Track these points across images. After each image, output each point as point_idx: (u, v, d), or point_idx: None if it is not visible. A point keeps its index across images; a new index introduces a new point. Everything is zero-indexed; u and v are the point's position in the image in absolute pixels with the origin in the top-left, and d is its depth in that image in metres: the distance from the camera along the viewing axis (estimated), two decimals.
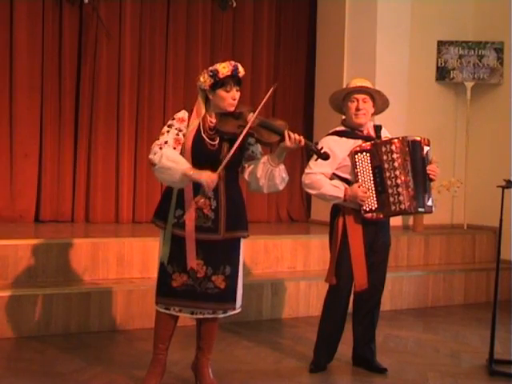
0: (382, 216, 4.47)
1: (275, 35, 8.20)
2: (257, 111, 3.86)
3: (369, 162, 4.45)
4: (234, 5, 7.78)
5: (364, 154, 4.45)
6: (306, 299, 6.19)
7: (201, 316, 3.99)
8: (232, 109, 3.91)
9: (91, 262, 5.69)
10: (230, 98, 3.88)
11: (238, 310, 4.06)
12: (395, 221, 6.23)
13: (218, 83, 3.85)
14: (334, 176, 4.52)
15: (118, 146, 7.39)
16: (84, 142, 7.27)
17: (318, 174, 4.46)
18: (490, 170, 7.59)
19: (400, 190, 4.42)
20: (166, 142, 3.83)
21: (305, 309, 6.19)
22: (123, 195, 7.37)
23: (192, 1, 7.68)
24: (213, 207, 3.90)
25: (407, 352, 5.18)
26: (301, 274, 6.46)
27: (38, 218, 7.11)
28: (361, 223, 4.48)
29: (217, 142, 3.90)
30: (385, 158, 4.44)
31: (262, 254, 6.40)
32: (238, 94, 3.92)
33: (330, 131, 4.62)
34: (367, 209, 4.45)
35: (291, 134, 3.85)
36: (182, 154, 3.85)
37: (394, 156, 4.44)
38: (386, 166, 4.44)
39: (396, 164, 4.43)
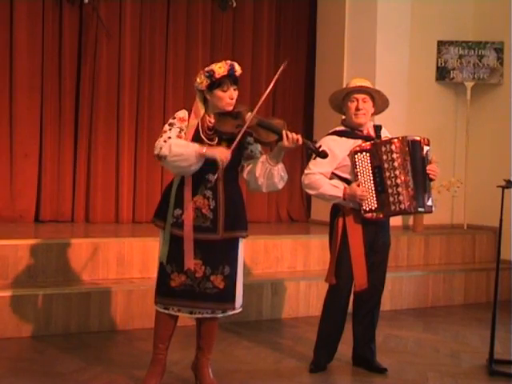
0: (381, 216, 4.47)
1: (275, 35, 8.20)
2: (255, 110, 3.86)
3: (369, 161, 4.45)
4: (234, 5, 7.78)
5: (364, 153, 4.45)
6: (306, 299, 6.19)
7: (200, 316, 3.99)
8: (230, 108, 3.91)
9: (91, 262, 5.69)
10: (228, 97, 3.89)
11: (238, 310, 4.06)
12: (395, 221, 6.23)
13: (215, 83, 3.86)
14: (334, 176, 4.52)
15: (117, 145, 7.39)
16: (84, 142, 7.27)
17: (317, 174, 4.46)
18: (490, 170, 7.59)
19: (400, 189, 4.42)
20: (169, 138, 3.82)
21: (305, 309, 6.19)
22: (123, 195, 7.37)
23: (192, 1, 7.68)
24: (211, 207, 3.90)
25: (407, 352, 5.18)
26: (301, 274, 6.46)
27: (38, 217, 7.11)
28: (361, 223, 4.48)
29: (215, 141, 3.90)
30: (385, 157, 4.44)
31: (262, 254, 6.40)
32: (236, 93, 3.92)
33: (330, 131, 4.62)
34: (367, 209, 4.45)
35: (289, 134, 3.85)
36: None
37: (394, 156, 4.44)
38: (386, 165, 4.44)
39: (396, 164, 4.43)
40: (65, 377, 4.29)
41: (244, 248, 4.11)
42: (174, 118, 3.94)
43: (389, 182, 4.44)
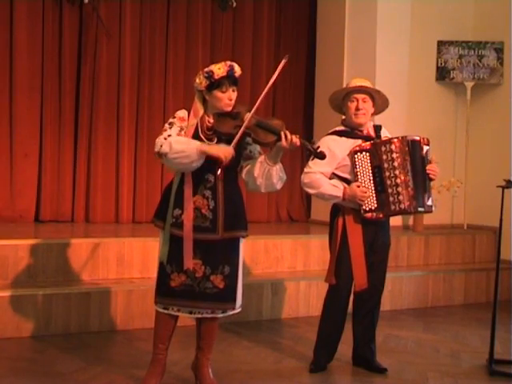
0: (381, 216, 4.47)
1: (275, 35, 8.20)
2: (253, 110, 3.87)
3: (368, 161, 4.45)
4: (234, 5, 7.77)
5: (364, 153, 4.45)
6: (305, 299, 6.19)
7: (199, 316, 3.99)
8: (229, 109, 3.91)
9: (91, 262, 5.69)
10: (227, 98, 3.89)
11: (237, 310, 4.06)
12: (395, 221, 6.23)
13: (214, 84, 3.86)
14: (334, 176, 4.52)
15: (118, 146, 7.39)
16: (84, 141, 7.27)
17: (317, 174, 4.46)
18: (490, 170, 7.59)
19: (400, 189, 4.42)
20: (169, 136, 3.82)
21: (305, 309, 6.19)
22: (123, 195, 7.37)
23: (192, 1, 7.68)
24: (211, 207, 3.90)
25: (407, 352, 5.18)
26: (301, 274, 6.46)
27: (38, 217, 7.11)
28: (360, 223, 4.48)
29: (214, 142, 3.89)
30: (384, 157, 4.44)
31: (262, 254, 6.40)
32: (235, 94, 3.92)
33: (330, 131, 4.62)
34: (367, 208, 4.45)
35: (288, 134, 3.85)
36: None
37: (394, 155, 4.44)
38: (386, 165, 4.44)
39: (396, 163, 4.43)
40: (65, 377, 4.29)
41: (244, 248, 4.11)
42: (174, 118, 3.94)
43: (389, 182, 4.44)
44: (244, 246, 4.10)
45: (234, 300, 3.99)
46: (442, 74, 7.89)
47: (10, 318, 5.10)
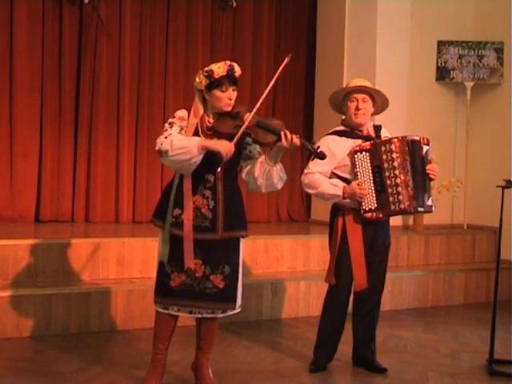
0: (381, 215, 4.47)
1: (275, 35, 8.20)
2: (253, 111, 3.86)
3: (368, 161, 4.45)
4: (234, 5, 7.77)
5: (363, 153, 4.46)
6: (305, 299, 6.19)
7: (199, 315, 3.99)
8: (229, 109, 3.91)
9: (91, 262, 5.69)
10: (226, 97, 3.88)
11: (237, 310, 4.06)
12: (395, 221, 6.23)
13: (214, 83, 3.85)
14: (334, 175, 4.52)
15: (118, 146, 7.39)
16: (84, 141, 7.27)
17: (316, 174, 4.47)
18: (490, 170, 7.59)
19: (399, 189, 4.42)
20: (170, 135, 3.82)
21: (305, 309, 6.19)
22: (123, 195, 7.37)
23: (192, 1, 7.68)
24: (210, 207, 3.90)
25: (407, 352, 5.18)
26: (301, 274, 6.46)
27: (38, 217, 7.11)
28: (360, 223, 4.48)
29: None
30: (384, 157, 4.44)
31: (262, 254, 6.40)
32: (235, 93, 3.92)
33: (330, 131, 4.62)
34: (367, 208, 4.45)
35: (288, 134, 3.85)
36: None
37: (394, 155, 4.44)
38: (386, 165, 4.44)
39: (395, 163, 4.43)
40: (65, 377, 4.29)
41: (244, 248, 4.11)
42: (174, 117, 3.94)
43: (388, 182, 4.44)
44: (244, 245, 4.10)
45: (234, 300, 3.99)
46: (442, 74, 7.89)
47: (10, 318, 5.10)
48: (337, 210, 4.56)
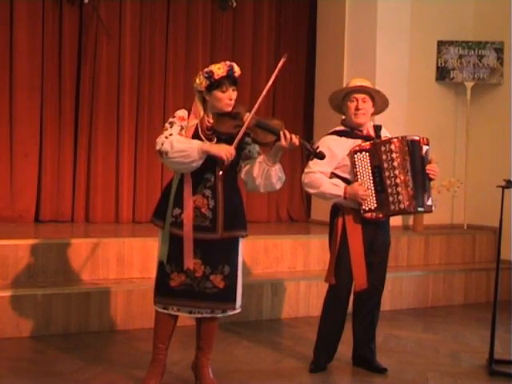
0: (381, 215, 4.47)
1: (275, 35, 8.20)
2: (253, 111, 3.87)
3: (368, 161, 4.45)
4: (234, 5, 7.77)
5: (363, 153, 4.45)
6: (306, 299, 6.19)
7: (199, 315, 3.99)
8: (229, 109, 3.91)
9: (91, 262, 5.69)
10: (227, 98, 3.88)
11: (237, 310, 4.06)
12: (395, 221, 6.23)
13: (214, 84, 3.85)
14: (334, 175, 4.52)
15: (118, 146, 7.39)
16: (84, 141, 7.27)
17: (317, 173, 4.46)
18: (490, 170, 7.59)
19: (399, 189, 4.42)
20: (170, 135, 3.82)
21: (305, 309, 6.19)
22: (123, 195, 7.37)
23: (192, 1, 7.68)
24: (210, 206, 3.90)
25: (407, 352, 5.18)
26: (301, 274, 6.46)
27: (37, 217, 7.11)
28: (360, 223, 4.48)
29: (214, 142, 3.89)
30: (384, 157, 4.44)
31: (262, 254, 6.40)
32: (235, 93, 3.92)
33: (330, 131, 4.62)
34: (367, 208, 4.45)
35: (287, 134, 3.85)
36: None
37: (394, 155, 4.44)
38: (386, 165, 4.44)
39: (395, 163, 4.43)
40: (65, 377, 4.29)
41: (244, 248, 4.11)
42: (174, 117, 3.94)
43: (388, 182, 4.44)
44: (244, 245, 4.10)
45: (234, 300, 3.99)
46: (442, 74, 7.89)
47: (10, 318, 5.10)
48: (337, 210, 4.56)
